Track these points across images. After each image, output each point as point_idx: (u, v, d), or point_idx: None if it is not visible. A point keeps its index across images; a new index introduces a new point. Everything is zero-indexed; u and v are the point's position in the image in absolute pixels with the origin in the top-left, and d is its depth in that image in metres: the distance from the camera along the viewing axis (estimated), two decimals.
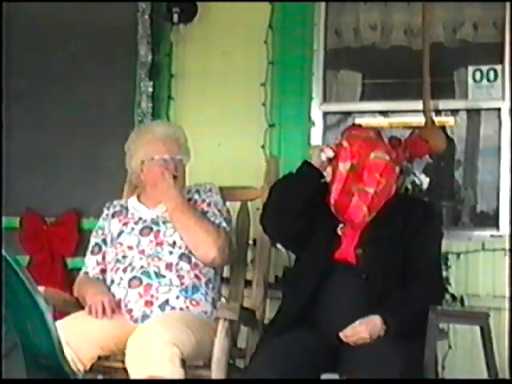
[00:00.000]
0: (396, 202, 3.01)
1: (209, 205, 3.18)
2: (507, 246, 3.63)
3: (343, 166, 2.92)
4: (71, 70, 4.12)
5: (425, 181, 3.76)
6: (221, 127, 4.01)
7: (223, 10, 4.02)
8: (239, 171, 3.86)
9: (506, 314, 3.45)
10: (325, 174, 2.97)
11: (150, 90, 3.99)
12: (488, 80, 3.85)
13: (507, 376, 3.13)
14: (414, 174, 3.75)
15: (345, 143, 2.95)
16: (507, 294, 3.35)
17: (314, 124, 3.97)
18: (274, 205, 3.00)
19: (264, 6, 3.98)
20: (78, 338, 2.84)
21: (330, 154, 2.96)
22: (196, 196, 3.22)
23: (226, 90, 4.02)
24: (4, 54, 3.60)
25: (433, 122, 3.75)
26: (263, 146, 3.95)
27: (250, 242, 3.41)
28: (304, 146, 3.84)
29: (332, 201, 2.94)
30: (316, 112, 3.99)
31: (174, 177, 3.16)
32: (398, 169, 2.99)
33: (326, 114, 4.01)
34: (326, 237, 2.96)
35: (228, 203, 3.34)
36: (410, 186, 3.71)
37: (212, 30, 4.06)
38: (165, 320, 2.93)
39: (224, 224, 3.15)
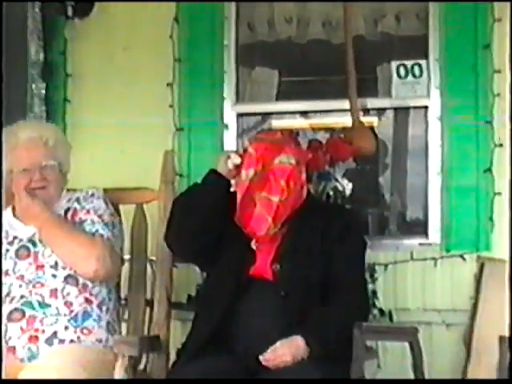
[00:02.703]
0: (316, 210, 2.99)
1: (88, 212, 3.09)
2: (437, 255, 3.71)
3: (246, 174, 2.89)
4: None
5: (347, 186, 3.81)
6: (123, 132, 3.94)
7: (124, 2, 3.95)
8: (144, 181, 3.81)
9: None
10: (232, 182, 2.94)
11: (43, 91, 3.93)
12: (413, 76, 3.93)
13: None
14: (336, 180, 3.80)
15: (250, 149, 2.92)
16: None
17: (227, 127, 3.96)
18: (178, 219, 2.94)
19: None
20: None
21: (237, 160, 2.91)
22: (76, 204, 3.12)
23: (129, 90, 3.96)
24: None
25: (360, 122, 3.78)
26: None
27: (151, 257, 3.32)
28: (216, 152, 3.78)
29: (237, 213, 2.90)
30: (229, 114, 3.96)
31: (42, 187, 3.07)
32: (304, 174, 2.93)
33: (240, 115, 4.00)
34: (239, 251, 2.91)
35: (121, 207, 3.25)
36: (331, 193, 3.75)
37: (112, 24, 4.00)
38: (54, 363, 2.80)
39: (101, 231, 3.05)
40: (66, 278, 3.01)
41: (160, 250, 3.19)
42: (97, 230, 3.06)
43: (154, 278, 3.25)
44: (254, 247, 2.94)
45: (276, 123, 4.19)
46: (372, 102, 3.92)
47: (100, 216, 3.10)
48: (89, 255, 2.97)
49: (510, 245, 3.44)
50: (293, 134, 3.09)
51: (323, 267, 2.90)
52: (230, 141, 3.96)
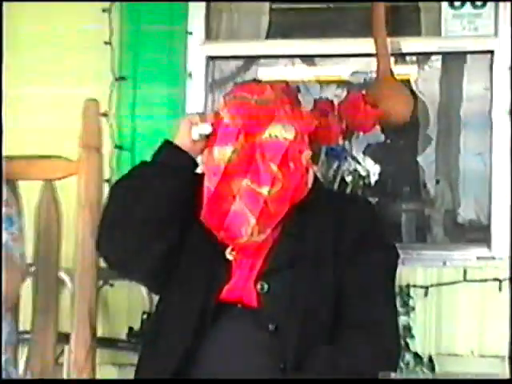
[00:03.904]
0: (324, 204, 3.00)
1: None
2: (503, 274, 3.77)
3: (220, 152, 2.87)
4: None
5: (372, 170, 3.86)
6: (38, 82, 4.06)
7: None
8: (68, 153, 3.84)
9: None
10: (199, 161, 2.94)
11: None
12: (473, 5, 3.97)
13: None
14: (355, 159, 3.84)
15: (224, 113, 2.90)
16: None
17: (191, 76, 4.03)
18: (118, 217, 2.94)
19: None
20: None
21: (207, 129, 2.91)
22: None
23: (47, 19, 4.07)
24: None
25: (391, 73, 3.84)
26: (106, 114, 3.98)
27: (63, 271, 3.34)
28: (174, 114, 3.89)
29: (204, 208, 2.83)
30: (195, 57, 4.07)
31: None
32: (307, 152, 2.89)
33: (211, 59, 4.10)
34: (208, 264, 2.94)
35: (21, 184, 3.20)
36: (348, 178, 3.79)
37: None
38: None
39: None
40: None
41: (81, 255, 3.17)
42: None
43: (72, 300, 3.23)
44: (229, 258, 2.96)
45: (265, 72, 4.22)
46: (410, 44, 4.00)
47: None
48: None
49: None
50: (290, 90, 3.11)
51: (333, 288, 2.93)
52: (195, 97, 4.01)
